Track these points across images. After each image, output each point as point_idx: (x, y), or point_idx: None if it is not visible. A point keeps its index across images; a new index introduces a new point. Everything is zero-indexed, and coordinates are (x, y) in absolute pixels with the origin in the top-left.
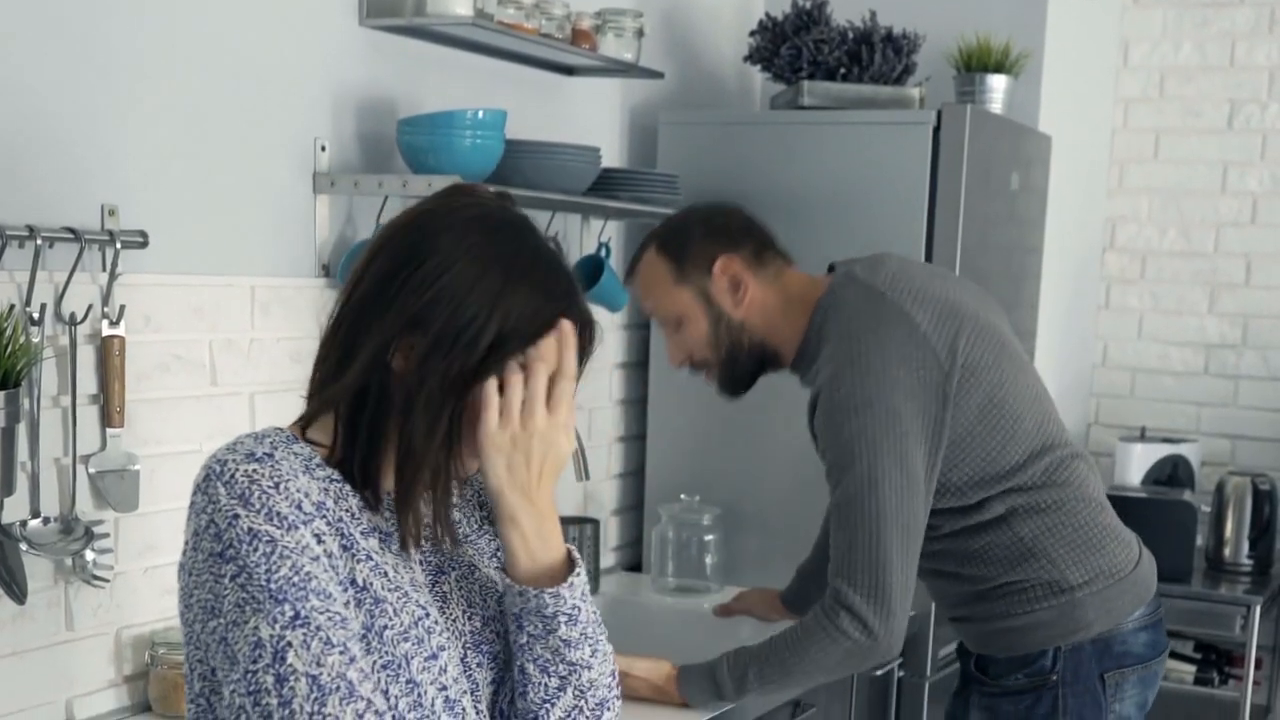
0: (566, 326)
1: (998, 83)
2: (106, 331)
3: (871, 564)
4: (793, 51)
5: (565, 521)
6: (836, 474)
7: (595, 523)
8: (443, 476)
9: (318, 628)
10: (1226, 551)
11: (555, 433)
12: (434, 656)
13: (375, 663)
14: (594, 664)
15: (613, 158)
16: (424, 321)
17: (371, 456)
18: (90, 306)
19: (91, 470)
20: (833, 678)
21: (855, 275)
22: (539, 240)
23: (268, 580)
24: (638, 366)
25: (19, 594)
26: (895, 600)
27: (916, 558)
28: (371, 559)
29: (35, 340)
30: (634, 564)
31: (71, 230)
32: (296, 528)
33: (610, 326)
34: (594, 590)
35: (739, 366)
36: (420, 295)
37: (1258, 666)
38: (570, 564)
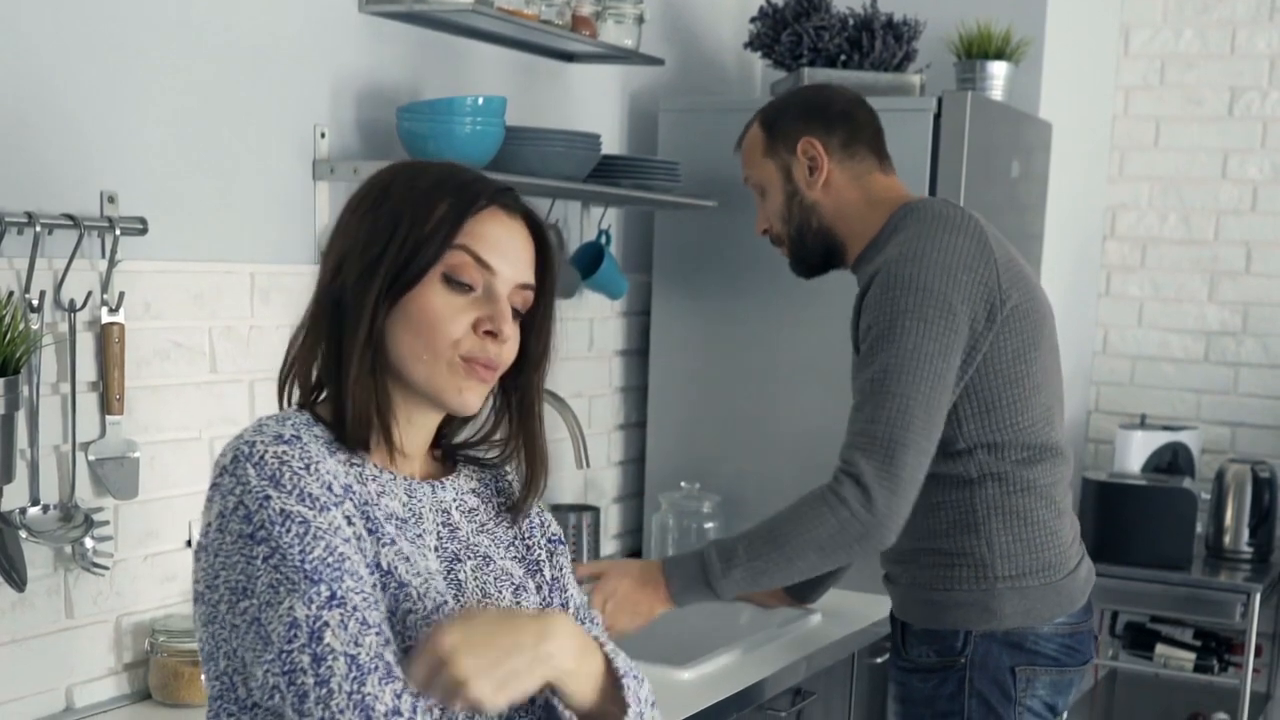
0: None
1: (998, 70)
2: (106, 318)
3: (890, 439)
4: (793, 38)
5: (564, 509)
6: (878, 347)
7: (595, 510)
8: (377, 380)
9: (354, 608)
10: (1226, 539)
11: (449, 628)
12: None
13: (399, 648)
14: None
15: (613, 144)
16: (353, 246)
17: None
18: (90, 293)
19: (91, 457)
20: (825, 559)
21: (948, 200)
22: (451, 163)
23: (302, 561)
24: (638, 354)
25: (19, 582)
26: (904, 479)
27: (932, 449)
28: (395, 544)
29: (34, 327)
30: (634, 551)
31: (71, 217)
32: (328, 509)
33: (610, 314)
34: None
35: (805, 247)
36: (348, 232)
37: (1258, 654)
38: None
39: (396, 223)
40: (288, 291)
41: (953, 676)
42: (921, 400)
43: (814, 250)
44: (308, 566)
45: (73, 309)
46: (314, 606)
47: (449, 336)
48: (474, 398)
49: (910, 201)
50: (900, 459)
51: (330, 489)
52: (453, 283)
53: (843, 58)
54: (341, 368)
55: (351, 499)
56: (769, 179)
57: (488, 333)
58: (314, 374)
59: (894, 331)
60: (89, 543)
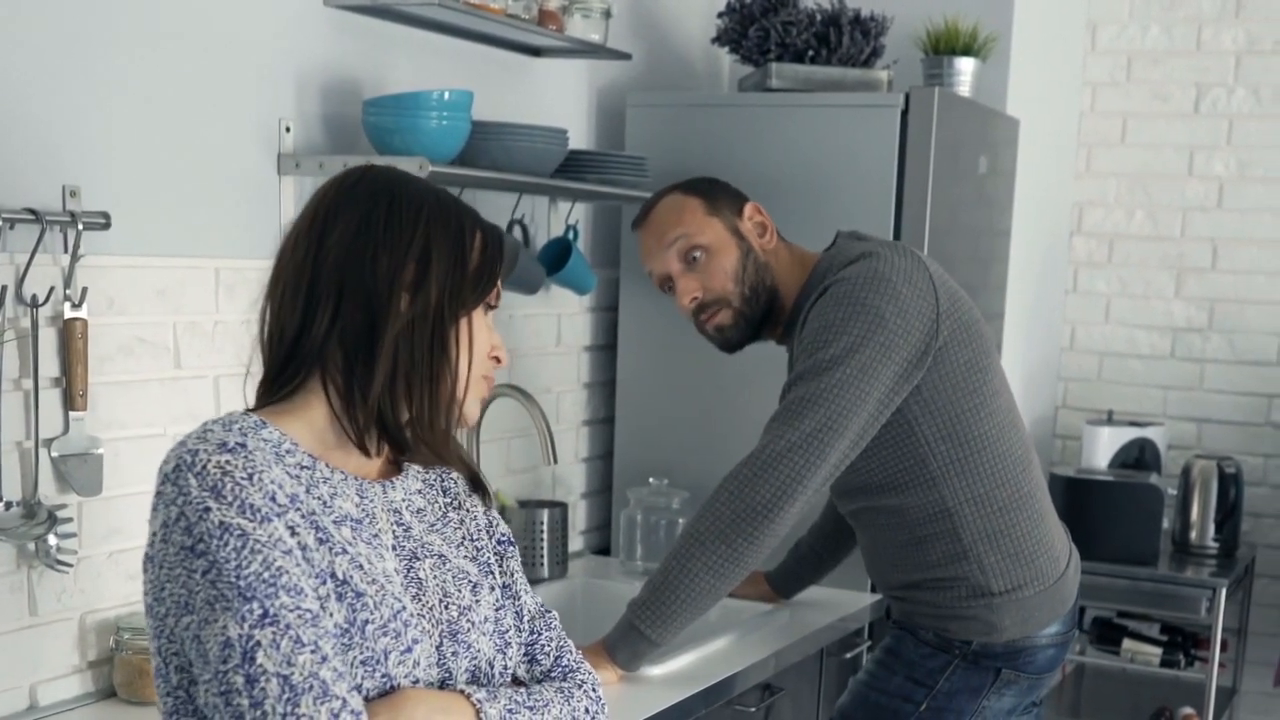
0: None
1: (965, 65)
2: (69, 314)
3: (804, 470)
4: (761, 33)
5: (532, 505)
6: (815, 369)
7: (563, 506)
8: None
9: (287, 626)
10: (1192, 534)
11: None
12: (409, 650)
13: (355, 658)
14: None
15: (580, 139)
16: (428, 250)
17: (374, 389)
18: (52, 289)
19: (54, 454)
20: (717, 556)
21: (860, 233)
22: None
23: (237, 577)
24: (606, 349)
25: None
26: (792, 510)
27: (838, 471)
28: (346, 551)
29: None
30: (602, 547)
31: (32, 211)
32: (270, 520)
33: (578, 309)
34: (562, 574)
35: (755, 306)
36: (414, 229)
37: (1223, 649)
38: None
39: (460, 246)
40: (252, 286)
41: (942, 657)
42: (844, 429)
43: (760, 313)
44: (242, 583)
45: (35, 304)
46: (246, 625)
47: (480, 356)
48: (479, 412)
49: (824, 253)
50: (794, 495)
51: (274, 499)
52: (488, 308)
53: (810, 53)
54: (411, 375)
55: (298, 508)
56: (716, 237)
57: (495, 357)
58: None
59: (831, 356)
60: (52, 540)
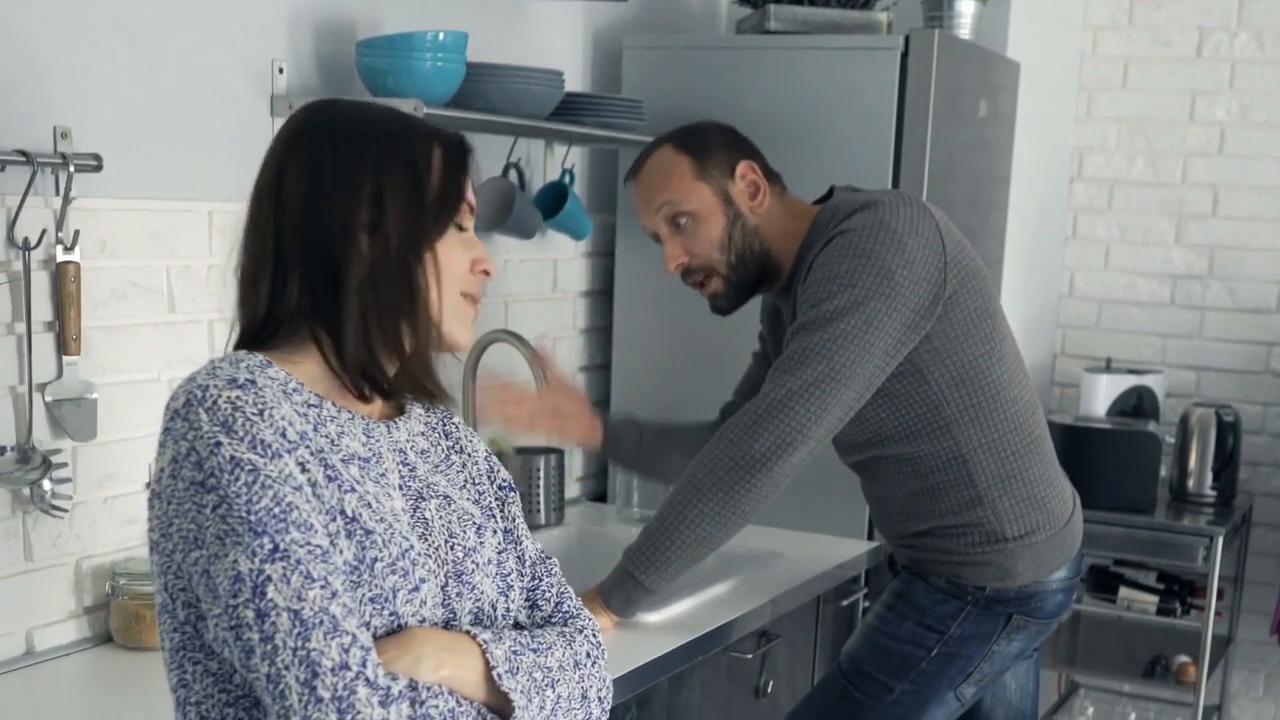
0: None
1: (966, 7)
2: (61, 257)
3: (805, 420)
4: None
5: (530, 453)
6: (821, 319)
7: (560, 453)
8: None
9: (298, 561)
10: (1190, 483)
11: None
12: (416, 589)
13: (364, 595)
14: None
15: (576, 82)
16: (379, 188)
17: (368, 339)
18: (44, 231)
19: (48, 399)
20: (715, 506)
21: (855, 187)
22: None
23: (248, 512)
24: (602, 295)
25: None
26: (793, 460)
27: (842, 423)
28: (355, 490)
29: None
30: (599, 494)
31: (23, 153)
32: (280, 456)
33: (574, 255)
34: (559, 521)
35: (744, 273)
36: (360, 169)
37: (1219, 597)
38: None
39: (414, 175)
40: None
41: (954, 603)
42: (848, 380)
43: (750, 277)
44: (252, 518)
45: (27, 247)
46: (256, 560)
47: (457, 277)
48: (471, 333)
49: (825, 207)
50: (804, 440)
51: (284, 435)
52: (459, 227)
53: None
54: (383, 318)
55: (307, 445)
56: (703, 203)
57: (484, 271)
58: (277, 312)
59: (835, 307)
60: (47, 485)
